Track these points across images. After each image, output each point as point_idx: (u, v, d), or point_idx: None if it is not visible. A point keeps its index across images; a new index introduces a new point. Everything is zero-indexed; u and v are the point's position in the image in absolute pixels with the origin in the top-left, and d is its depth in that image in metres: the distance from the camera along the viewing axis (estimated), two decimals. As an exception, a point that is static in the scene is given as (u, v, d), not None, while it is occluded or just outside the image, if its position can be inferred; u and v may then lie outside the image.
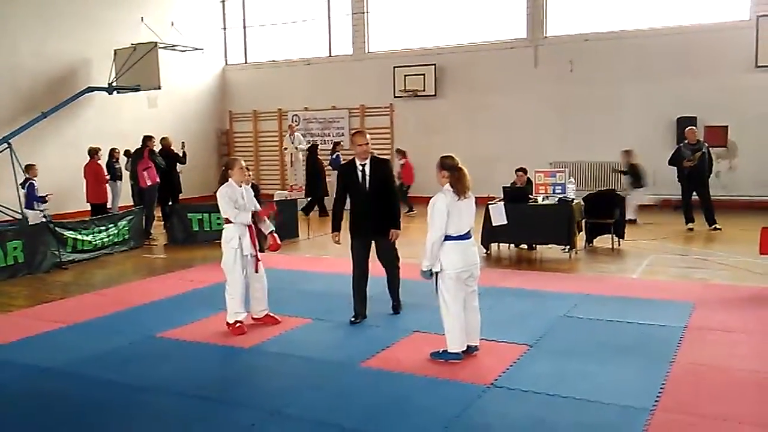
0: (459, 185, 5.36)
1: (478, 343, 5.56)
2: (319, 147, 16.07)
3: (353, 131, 6.32)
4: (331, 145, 16.57)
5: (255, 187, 7.05)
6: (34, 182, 11.53)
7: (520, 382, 4.95)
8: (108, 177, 13.25)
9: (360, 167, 6.48)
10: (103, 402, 4.84)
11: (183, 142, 13.69)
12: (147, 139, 12.48)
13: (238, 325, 6.40)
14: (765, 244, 7.49)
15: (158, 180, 12.33)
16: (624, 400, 4.56)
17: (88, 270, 9.94)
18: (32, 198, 11.40)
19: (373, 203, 6.47)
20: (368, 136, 6.53)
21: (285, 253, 10.19)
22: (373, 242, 6.63)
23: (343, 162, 15.27)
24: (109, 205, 13.19)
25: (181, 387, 5.06)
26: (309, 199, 14.95)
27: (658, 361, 5.28)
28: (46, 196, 11.59)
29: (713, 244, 10.66)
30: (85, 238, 10.52)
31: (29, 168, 11.69)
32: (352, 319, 6.58)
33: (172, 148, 13.32)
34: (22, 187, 11.60)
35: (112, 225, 11.06)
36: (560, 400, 4.62)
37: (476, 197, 5.56)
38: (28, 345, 6.23)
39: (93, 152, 12.75)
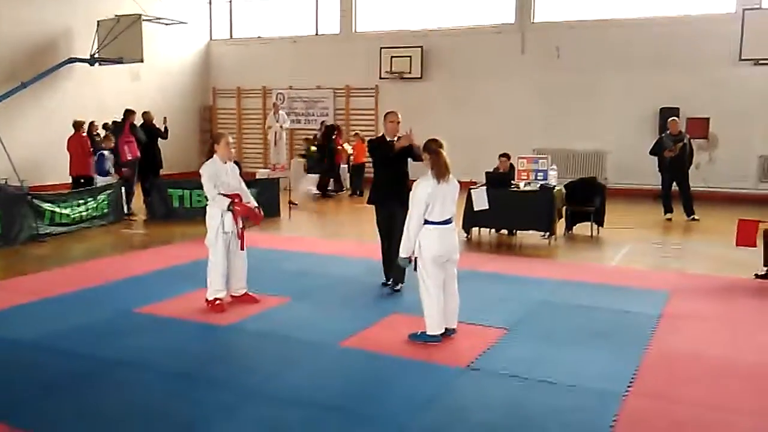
0: (435, 168, 5.36)
1: (456, 325, 5.60)
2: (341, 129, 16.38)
3: (386, 112, 7.23)
4: (320, 124, 16.64)
5: (237, 165, 7.01)
6: (104, 153, 11.60)
7: (497, 364, 4.99)
8: (91, 150, 13.07)
9: (389, 142, 6.96)
10: (76, 375, 4.81)
11: (165, 117, 13.51)
12: (128, 112, 12.33)
13: (217, 302, 6.38)
14: (741, 235, 7.60)
15: (139, 154, 12.20)
16: (598, 385, 4.63)
17: (66, 243, 9.83)
18: (102, 167, 11.63)
19: (397, 173, 6.90)
20: (400, 115, 7.07)
21: (265, 232, 10.17)
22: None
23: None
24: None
25: (157, 363, 5.04)
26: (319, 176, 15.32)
27: (633, 347, 5.36)
28: (120, 169, 11.88)
29: (691, 234, 10.79)
30: (63, 211, 10.38)
31: (105, 138, 12.01)
32: (384, 281, 7.14)
33: (153, 122, 13.16)
34: (93, 154, 11.90)
35: (90, 198, 10.92)
36: (536, 383, 4.67)
37: (459, 181, 5.56)
38: (1, 317, 6.15)
39: (78, 125, 12.56)
